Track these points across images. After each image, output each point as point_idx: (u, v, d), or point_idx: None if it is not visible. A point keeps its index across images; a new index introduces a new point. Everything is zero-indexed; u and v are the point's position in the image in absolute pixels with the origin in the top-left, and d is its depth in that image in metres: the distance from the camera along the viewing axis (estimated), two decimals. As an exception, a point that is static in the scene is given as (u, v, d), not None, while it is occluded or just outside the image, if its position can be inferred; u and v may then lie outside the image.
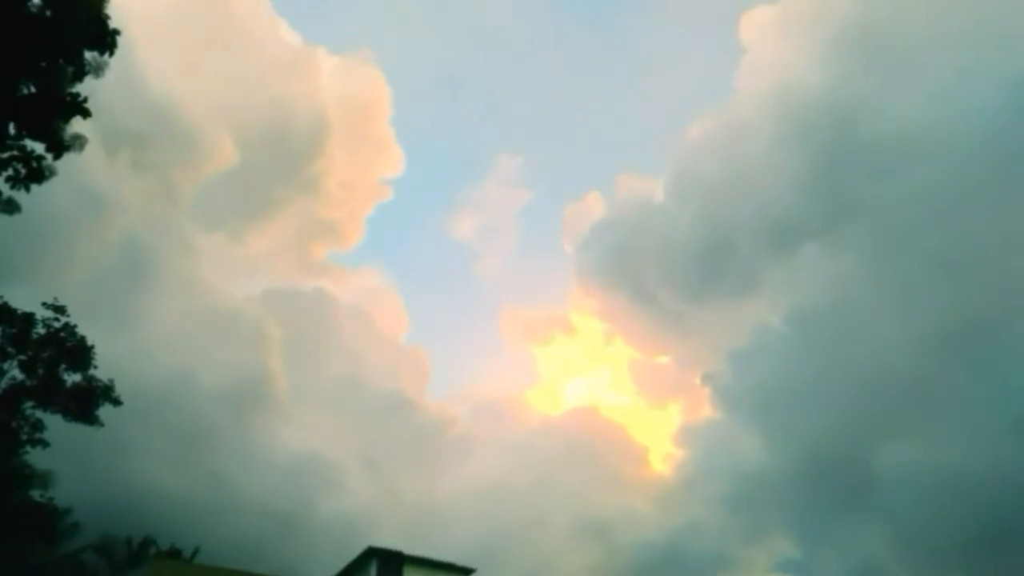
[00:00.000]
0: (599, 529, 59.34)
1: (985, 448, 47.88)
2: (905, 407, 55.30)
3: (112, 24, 10.58)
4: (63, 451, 23.72)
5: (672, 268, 75.14)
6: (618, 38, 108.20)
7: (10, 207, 11.72)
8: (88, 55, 10.63)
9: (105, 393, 23.10)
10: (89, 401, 22.82)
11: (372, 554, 30.11)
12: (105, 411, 23.34)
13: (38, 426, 22.51)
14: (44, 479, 23.41)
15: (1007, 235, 55.84)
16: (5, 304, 22.18)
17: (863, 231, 65.17)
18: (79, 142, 11.22)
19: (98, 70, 10.71)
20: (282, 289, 71.87)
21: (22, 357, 22.51)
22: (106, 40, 10.56)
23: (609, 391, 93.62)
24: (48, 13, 10.06)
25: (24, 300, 22.95)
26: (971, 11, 65.47)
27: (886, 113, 64.24)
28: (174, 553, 35.31)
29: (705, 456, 65.73)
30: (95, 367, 23.12)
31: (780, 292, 69.21)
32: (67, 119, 10.84)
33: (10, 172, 10.76)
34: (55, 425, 22.96)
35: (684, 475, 67.40)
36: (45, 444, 22.58)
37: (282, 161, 70.76)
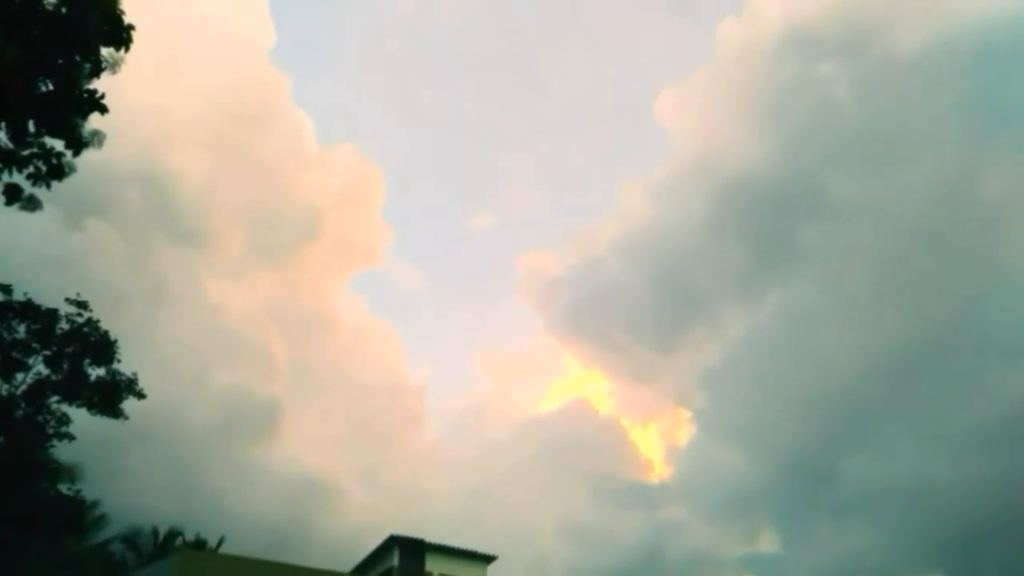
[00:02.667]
0: (586, 532, 61.64)
1: (939, 456, 55.01)
2: (862, 420, 62.97)
3: (127, 20, 10.65)
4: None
5: (641, 321, 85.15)
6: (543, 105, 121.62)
7: (32, 204, 11.83)
8: (104, 51, 10.69)
9: (129, 386, 23.37)
10: (113, 394, 23.09)
11: (394, 542, 30.37)
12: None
13: (64, 420, 22.83)
14: (71, 472, 23.78)
15: (940, 270, 64.10)
16: (30, 300, 22.48)
17: (807, 274, 74.60)
18: (97, 138, 11.31)
19: (114, 66, 10.76)
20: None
21: (47, 352, 22.81)
22: (121, 36, 10.61)
23: (593, 409, 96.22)
24: (64, 10, 10.12)
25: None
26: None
27: (809, 171, 73.44)
28: (200, 543, 35.81)
29: (685, 469, 74.73)
30: (119, 361, 23.41)
31: (740, 330, 78.24)
32: (85, 116, 10.91)
33: (31, 169, 10.86)
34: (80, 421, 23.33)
35: (666, 483, 75.42)
36: (71, 438, 22.92)
37: (285, 240, 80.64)
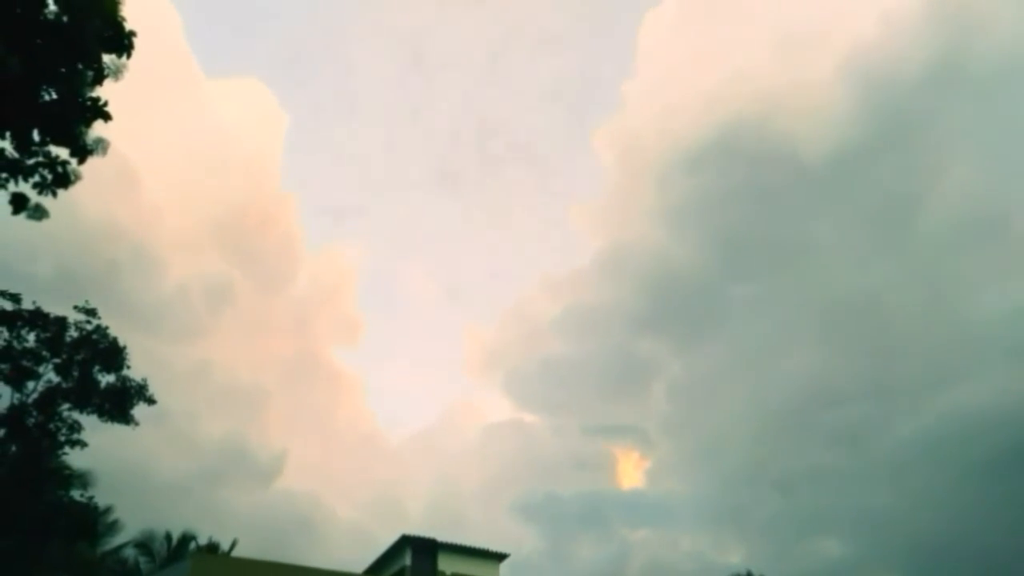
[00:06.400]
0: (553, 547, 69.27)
1: (870, 481, 67.85)
2: (798, 450, 75.85)
3: (128, 27, 10.65)
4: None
5: (593, 383, 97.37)
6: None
7: (38, 213, 11.83)
8: (106, 58, 10.70)
9: (139, 392, 23.48)
10: (124, 401, 23.20)
11: (406, 542, 30.37)
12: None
13: (75, 427, 22.95)
14: (83, 479, 23.91)
15: (842, 331, 78.94)
16: (39, 309, 22.59)
17: (734, 333, 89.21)
18: (102, 145, 11.31)
19: (116, 73, 10.76)
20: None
21: (57, 360, 22.93)
22: (123, 42, 10.61)
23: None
24: (65, 19, 10.13)
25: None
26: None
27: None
28: (212, 547, 35.92)
29: (646, 496, 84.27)
30: (128, 367, 23.51)
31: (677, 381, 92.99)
32: (89, 123, 10.91)
33: (36, 178, 10.89)
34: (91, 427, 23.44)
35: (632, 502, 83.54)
36: (83, 444, 23.03)
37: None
